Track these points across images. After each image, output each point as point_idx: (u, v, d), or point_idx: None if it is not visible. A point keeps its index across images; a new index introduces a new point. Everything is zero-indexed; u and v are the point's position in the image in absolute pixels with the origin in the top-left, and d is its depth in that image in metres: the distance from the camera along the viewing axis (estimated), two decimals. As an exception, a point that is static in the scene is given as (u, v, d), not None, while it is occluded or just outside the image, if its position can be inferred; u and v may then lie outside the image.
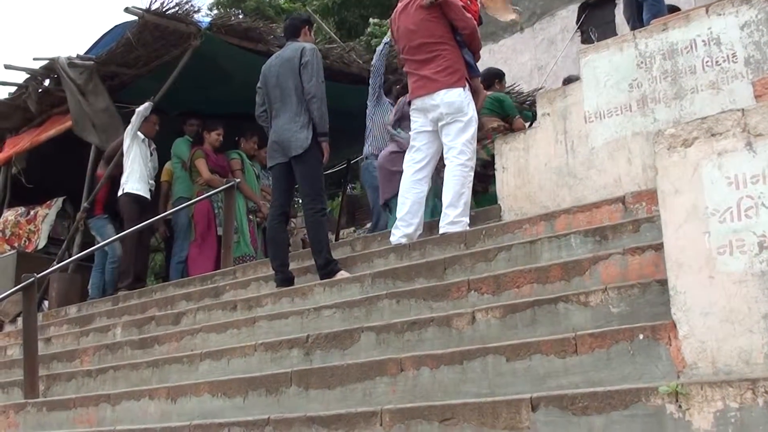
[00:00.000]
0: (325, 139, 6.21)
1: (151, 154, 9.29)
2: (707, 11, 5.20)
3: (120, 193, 9.01)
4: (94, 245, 8.82)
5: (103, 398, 5.16)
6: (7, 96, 11.15)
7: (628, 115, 5.42)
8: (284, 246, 6.38)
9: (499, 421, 2.94)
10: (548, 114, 5.82)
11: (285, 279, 6.13)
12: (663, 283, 3.30)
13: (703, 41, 5.18)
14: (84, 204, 9.65)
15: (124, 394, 5.06)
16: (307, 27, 6.63)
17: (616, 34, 13.64)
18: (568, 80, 9.04)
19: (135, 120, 8.93)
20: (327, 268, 5.87)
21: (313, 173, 6.22)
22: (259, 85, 6.50)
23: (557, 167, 5.69)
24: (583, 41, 17.13)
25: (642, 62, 5.44)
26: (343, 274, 5.72)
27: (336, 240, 12.25)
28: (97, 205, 9.34)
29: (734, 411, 2.48)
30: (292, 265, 6.52)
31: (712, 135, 2.92)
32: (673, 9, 7.22)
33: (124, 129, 9.12)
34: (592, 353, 3.15)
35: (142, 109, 8.94)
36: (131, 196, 8.90)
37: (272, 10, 24.43)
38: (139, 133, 9.13)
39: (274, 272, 6.23)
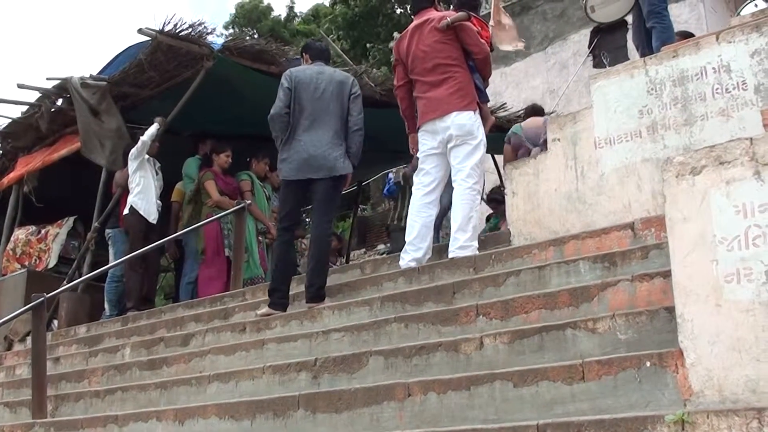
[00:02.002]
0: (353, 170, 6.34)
1: (157, 173, 9.33)
2: (717, 38, 5.21)
3: (126, 211, 9.04)
4: (104, 265, 8.84)
5: (110, 419, 5.15)
6: (19, 115, 11.24)
7: (638, 141, 5.42)
8: (293, 267, 6.35)
9: (505, 448, 2.94)
10: (558, 139, 5.83)
11: (284, 304, 6.10)
12: (671, 310, 3.30)
13: (714, 68, 5.19)
14: (95, 224, 9.69)
15: (131, 416, 5.05)
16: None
17: (628, 59, 13.65)
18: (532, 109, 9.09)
19: (142, 146, 8.94)
20: (322, 291, 5.96)
21: (337, 198, 6.37)
22: (288, 86, 6.34)
23: (567, 192, 5.69)
24: (595, 65, 17.15)
25: (652, 89, 5.45)
26: (326, 302, 5.87)
27: (347, 262, 12.26)
28: (120, 218, 9.36)
29: (740, 440, 2.47)
30: (302, 287, 6.54)
31: (721, 163, 2.92)
32: (687, 35, 7.24)
33: (130, 148, 9.16)
34: (599, 380, 3.14)
35: (148, 137, 8.95)
36: (138, 215, 8.93)
37: (287, 32, 24.61)
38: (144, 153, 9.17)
39: (273, 292, 6.13)
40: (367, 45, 22.31)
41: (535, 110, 9.01)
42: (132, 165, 8.98)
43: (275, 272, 6.37)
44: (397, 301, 5.17)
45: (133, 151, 8.97)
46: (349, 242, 14.43)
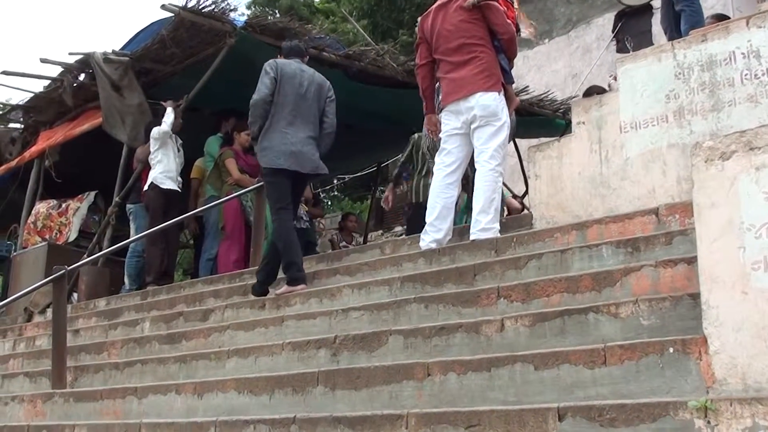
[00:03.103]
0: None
1: (179, 150, 9.35)
2: (747, 23, 5.15)
3: (146, 187, 9.08)
4: (124, 240, 8.88)
5: (130, 391, 5.20)
6: (42, 90, 11.28)
7: (664, 126, 5.37)
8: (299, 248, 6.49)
9: (525, 430, 2.93)
10: (583, 123, 5.78)
11: (303, 277, 6.19)
12: (695, 296, 3.28)
13: (743, 54, 5.12)
14: (116, 198, 9.73)
15: (150, 388, 5.09)
16: (307, 57, 6.97)
17: (651, 44, 13.54)
18: (589, 92, 9.01)
19: (164, 134, 9.00)
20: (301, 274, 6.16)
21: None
22: (273, 75, 6.47)
23: (591, 177, 5.65)
24: (619, 50, 17.02)
25: (680, 73, 5.39)
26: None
27: (364, 243, 12.26)
28: (141, 194, 9.40)
29: (763, 429, 2.45)
30: (321, 266, 6.57)
31: (751, 149, 2.88)
32: (722, 18, 7.16)
33: (154, 125, 9.19)
34: (622, 365, 3.13)
35: (168, 125, 9.02)
36: (158, 190, 8.96)
37: (306, 10, 24.52)
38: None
39: (293, 271, 6.16)
40: (387, 32, 22.18)
41: (595, 92, 8.95)
42: (154, 144, 9.01)
43: (290, 248, 6.31)
44: (417, 281, 5.16)
45: (155, 134, 8.99)
46: (367, 224, 14.42)
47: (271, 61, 6.61)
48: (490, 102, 5.92)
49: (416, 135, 8.48)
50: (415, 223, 9.00)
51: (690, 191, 4.84)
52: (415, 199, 8.59)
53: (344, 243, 11.82)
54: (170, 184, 9.00)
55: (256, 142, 6.54)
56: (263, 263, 6.52)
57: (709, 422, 2.56)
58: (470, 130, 6.01)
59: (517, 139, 11.38)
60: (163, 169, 8.98)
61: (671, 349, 3.02)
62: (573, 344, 3.54)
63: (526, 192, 10.10)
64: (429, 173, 8.36)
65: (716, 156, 2.97)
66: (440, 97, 6.29)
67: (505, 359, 3.46)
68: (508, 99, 6.14)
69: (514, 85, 6.75)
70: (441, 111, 6.21)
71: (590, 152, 5.69)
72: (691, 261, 3.62)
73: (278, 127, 6.37)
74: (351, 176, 20.57)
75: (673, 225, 4.57)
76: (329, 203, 23.54)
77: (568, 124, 11.81)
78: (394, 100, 10.07)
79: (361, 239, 12.99)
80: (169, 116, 9.02)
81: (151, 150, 9.03)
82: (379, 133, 11.35)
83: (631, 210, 5.07)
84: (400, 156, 8.68)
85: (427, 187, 8.29)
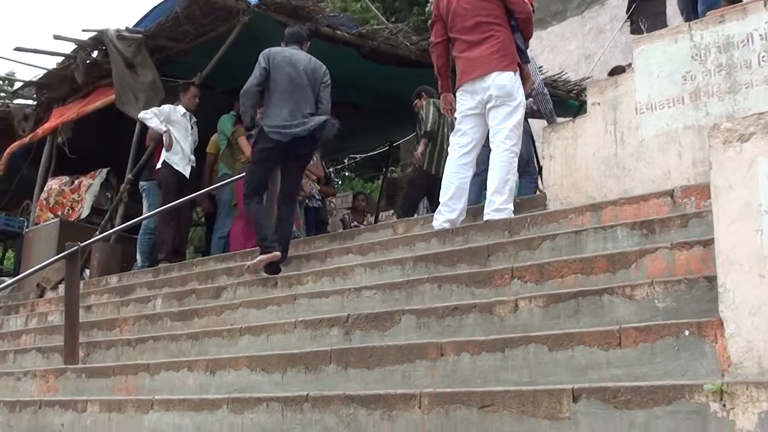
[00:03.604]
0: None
1: (192, 127, 9.35)
2: (765, 4, 5.09)
3: (158, 164, 9.09)
4: (136, 217, 8.90)
5: (142, 367, 5.22)
6: (55, 66, 11.27)
7: (680, 107, 5.33)
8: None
9: (539, 410, 2.92)
10: (598, 103, 5.74)
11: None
12: (710, 279, 3.27)
13: (760, 35, 5.07)
14: (128, 176, 9.74)
15: (162, 365, 5.11)
16: (308, 42, 7.07)
17: (666, 26, 13.43)
18: (613, 72, 8.96)
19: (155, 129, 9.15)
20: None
21: (301, 176, 7.00)
22: (265, 66, 6.60)
23: (605, 158, 5.62)
24: (633, 31, 16.83)
25: (696, 54, 5.34)
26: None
27: (375, 222, 12.26)
28: (153, 171, 9.43)
29: (779, 412, 2.44)
30: (334, 245, 6.57)
31: (770, 131, 2.86)
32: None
33: (165, 103, 9.21)
34: (636, 347, 3.12)
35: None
36: (171, 168, 8.97)
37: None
38: (180, 107, 9.20)
39: (268, 247, 6.40)
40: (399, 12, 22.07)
41: (619, 72, 8.92)
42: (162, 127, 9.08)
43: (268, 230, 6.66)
44: (430, 261, 5.16)
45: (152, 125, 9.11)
46: (378, 203, 14.41)
47: (265, 50, 6.71)
48: (505, 82, 5.88)
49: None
50: (416, 190, 9.03)
51: (705, 174, 4.85)
52: (427, 167, 8.58)
53: (355, 223, 11.82)
54: (181, 167, 9.01)
55: (251, 131, 6.70)
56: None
57: (724, 405, 2.54)
58: (485, 110, 5.98)
59: (529, 120, 11.34)
60: (173, 151, 9.00)
61: (687, 332, 3.00)
62: (587, 326, 3.53)
63: (539, 172, 10.06)
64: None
65: (734, 138, 2.94)
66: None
67: (519, 340, 3.45)
68: (524, 78, 6.10)
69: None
70: (457, 90, 6.18)
71: (605, 133, 5.66)
72: (707, 244, 3.61)
73: (271, 114, 6.52)
74: (363, 156, 20.54)
75: (689, 207, 4.55)
76: (339, 183, 23.52)
77: (581, 105, 11.79)
78: (407, 80, 10.03)
79: (372, 219, 12.98)
80: (157, 127, 9.15)
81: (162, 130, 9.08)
82: (391, 112, 11.31)
83: (646, 192, 5.04)
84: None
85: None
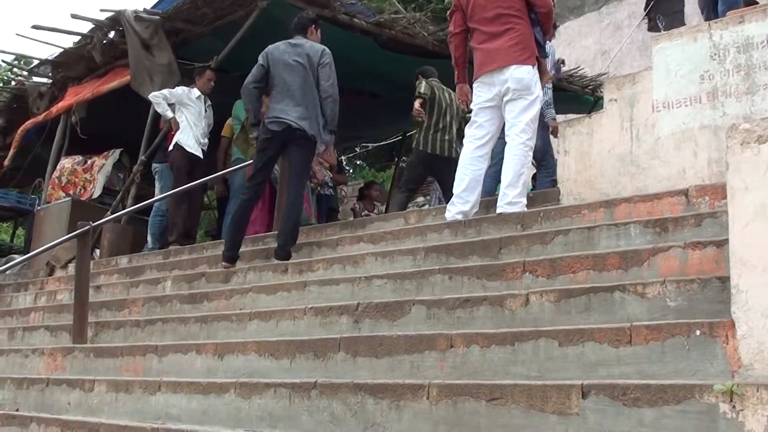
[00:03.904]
0: (333, 135, 6.89)
1: (206, 111, 9.36)
2: (786, 7, 5.08)
3: (171, 147, 9.11)
4: (148, 198, 8.92)
5: (150, 349, 5.23)
6: (71, 45, 11.29)
7: (697, 107, 5.31)
8: (246, 226, 7.09)
9: (548, 405, 2.92)
10: (615, 100, 5.72)
11: (234, 258, 6.78)
12: (723, 280, 3.26)
13: (780, 37, 5.06)
14: (141, 157, 9.76)
15: (171, 347, 5.12)
16: (313, 26, 7.13)
17: (683, 24, 13.40)
18: None
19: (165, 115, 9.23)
20: (286, 249, 6.54)
21: (307, 161, 6.93)
22: (262, 63, 6.86)
23: (620, 155, 5.60)
24: (650, 29, 16.86)
25: (715, 54, 5.32)
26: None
27: (386, 212, 12.25)
28: (167, 153, 9.45)
29: (790, 415, 2.44)
30: (345, 233, 6.57)
31: (788, 133, 2.85)
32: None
33: (181, 86, 9.23)
34: (647, 345, 3.11)
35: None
36: (183, 151, 8.99)
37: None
38: (194, 89, 9.22)
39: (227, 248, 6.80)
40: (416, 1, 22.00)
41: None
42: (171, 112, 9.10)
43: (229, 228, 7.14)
44: (441, 252, 5.15)
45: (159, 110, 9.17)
46: (390, 193, 14.40)
47: (265, 49, 6.95)
48: (524, 75, 5.85)
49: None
50: (413, 171, 8.98)
51: (720, 173, 4.84)
52: (423, 147, 8.55)
53: (366, 212, 11.81)
54: (193, 149, 9.03)
55: (255, 128, 7.01)
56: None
57: (734, 407, 2.54)
58: (502, 103, 5.96)
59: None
60: (186, 133, 9.02)
61: (698, 332, 2.99)
62: (598, 322, 3.52)
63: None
64: (444, 130, 8.37)
65: (752, 139, 2.93)
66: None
67: (530, 334, 3.44)
68: (541, 73, 6.07)
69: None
70: (474, 82, 6.15)
71: (621, 130, 5.64)
72: (721, 244, 3.60)
73: (271, 107, 6.83)
74: (374, 145, 20.52)
75: (703, 207, 4.53)
76: (351, 171, 23.52)
77: (597, 100, 11.76)
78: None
79: (383, 208, 12.97)
80: (163, 112, 9.22)
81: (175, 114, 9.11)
82: (407, 102, 11.28)
83: (660, 190, 5.02)
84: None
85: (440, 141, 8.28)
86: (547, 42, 6.74)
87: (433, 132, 8.44)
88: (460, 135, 7.90)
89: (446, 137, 8.44)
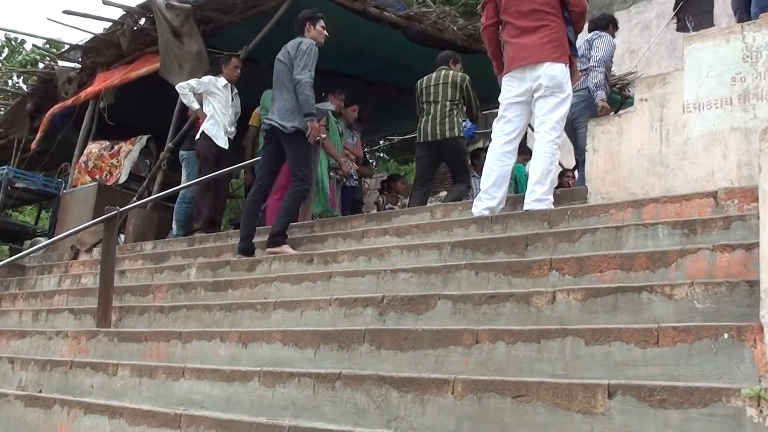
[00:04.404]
0: (310, 118, 6.82)
1: (233, 99, 9.39)
2: (820, 11, 5.04)
3: (198, 135, 9.14)
4: (174, 185, 8.96)
5: (174, 335, 5.25)
6: (102, 31, 11.35)
7: (728, 108, 5.28)
8: (256, 219, 7.22)
9: (573, 404, 2.92)
10: (646, 100, 5.69)
11: (247, 249, 6.89)
12: (752, 284, 3.24)
13: (813, 40, 5.02)
14: (168, 144, 9.81)
15: (195, 334, 5.13)
16: (309, 23, 7.20)
17: (712, 24, 13.32)
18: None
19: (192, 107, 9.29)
20: (276, 238, 6.66)
21: (299, 155, 6.93)
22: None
23: (649, 155, 5.58)
24: (679, 29, 16.76)
25: (748, 56, 5.28)
26: (285, 250, 6.57)
27: (410, 205, 12.25)
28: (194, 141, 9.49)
29: (817, 422, 2.43)
30: (371, 225, 6.57)
31: (821, 137, 2.84)
32: None
33: (209, 74, 9.26)
34: (674, 347, 3.10)
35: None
36: (209, 141, 9.02)
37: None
38: (221, 78, 9.25)
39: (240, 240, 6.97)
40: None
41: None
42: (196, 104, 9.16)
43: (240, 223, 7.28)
44: (467, 247, 5.15)
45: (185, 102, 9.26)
46: (414, 186, 14.36)
47: None
48: (557, 73, 5.85)
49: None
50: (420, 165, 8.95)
51: (750, 176, 4.81)
52: (422, 139, 8.50)
53: (390, 205, 11.81)
54: (219, 140, 9.07)
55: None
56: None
57: (761, 411, 2.53)
58: (532, 99, 5.95)
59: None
60: (213, 122, 9.06)
61: (726, 335, 2.98)
62: (624, 322, 3.52)
63: (575, 166, 10.02)
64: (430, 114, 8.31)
65: (785, 143, 2.92)
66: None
67: (556, 332, 3.44)
68: (572, 72, 6.06)
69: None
70: (504, 75, 6.13)
71: (651, 130, 5.62)
72: (750, 247, 3.58)
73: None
74: (399, 138, 20.50)
75: (732, 210, 4.51)
76: (374, 164, 23.52)
77: (624, 99, 11.70)
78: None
79: (406, 201, 12.96)
80: (189, 103, 9.28)
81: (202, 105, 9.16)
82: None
83: (689, 191, 5.00)
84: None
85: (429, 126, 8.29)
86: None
87: (423, 121, 8.39)
88: (452, 112, 8.03)
89: (435, 121, 8.28)
